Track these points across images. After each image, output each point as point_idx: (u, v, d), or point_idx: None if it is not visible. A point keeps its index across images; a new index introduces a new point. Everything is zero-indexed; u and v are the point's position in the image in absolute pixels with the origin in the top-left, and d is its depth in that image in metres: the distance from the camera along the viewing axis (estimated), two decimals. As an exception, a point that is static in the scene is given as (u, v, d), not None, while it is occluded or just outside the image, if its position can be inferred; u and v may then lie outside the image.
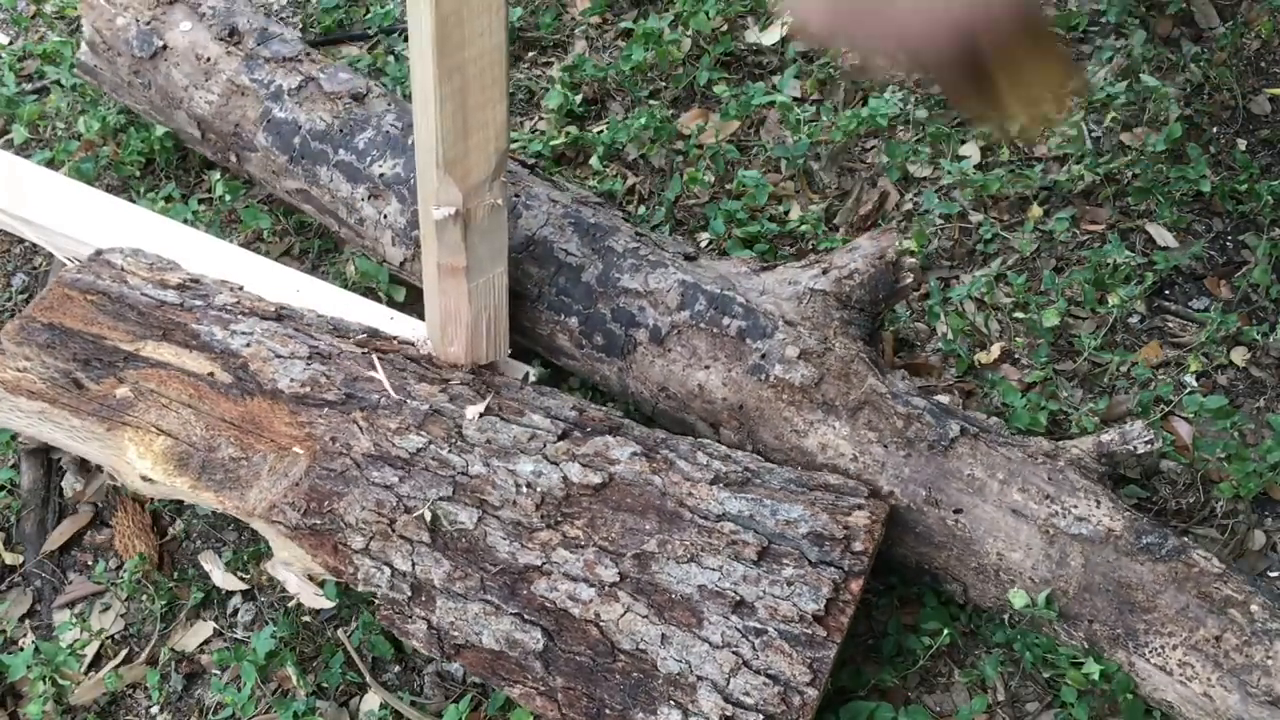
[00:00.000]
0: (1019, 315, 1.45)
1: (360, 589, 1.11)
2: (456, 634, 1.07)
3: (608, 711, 1.02)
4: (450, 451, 1.15)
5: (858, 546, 1.06)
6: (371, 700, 1.19)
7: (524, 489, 1.12)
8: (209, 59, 1.52)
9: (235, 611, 1.27)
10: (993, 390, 1.36)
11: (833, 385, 1.18)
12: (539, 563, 1.08)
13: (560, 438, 1.16)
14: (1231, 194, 1.54)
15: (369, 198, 1.41)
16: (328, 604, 1.22)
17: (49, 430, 1.25)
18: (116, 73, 1.61)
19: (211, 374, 1.24)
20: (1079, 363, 1.41)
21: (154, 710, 1.21)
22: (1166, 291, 1.49)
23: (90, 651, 1.24)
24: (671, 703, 1.00)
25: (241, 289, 1.38)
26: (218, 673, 1.22)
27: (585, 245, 1.31)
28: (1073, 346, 1.43)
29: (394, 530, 1.11)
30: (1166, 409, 1.35)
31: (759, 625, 1.02)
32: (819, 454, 1.17)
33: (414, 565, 1.10)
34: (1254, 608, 1.04)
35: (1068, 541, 1.09)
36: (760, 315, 1.23)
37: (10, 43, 1.99)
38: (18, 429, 1.31)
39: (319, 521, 1.13)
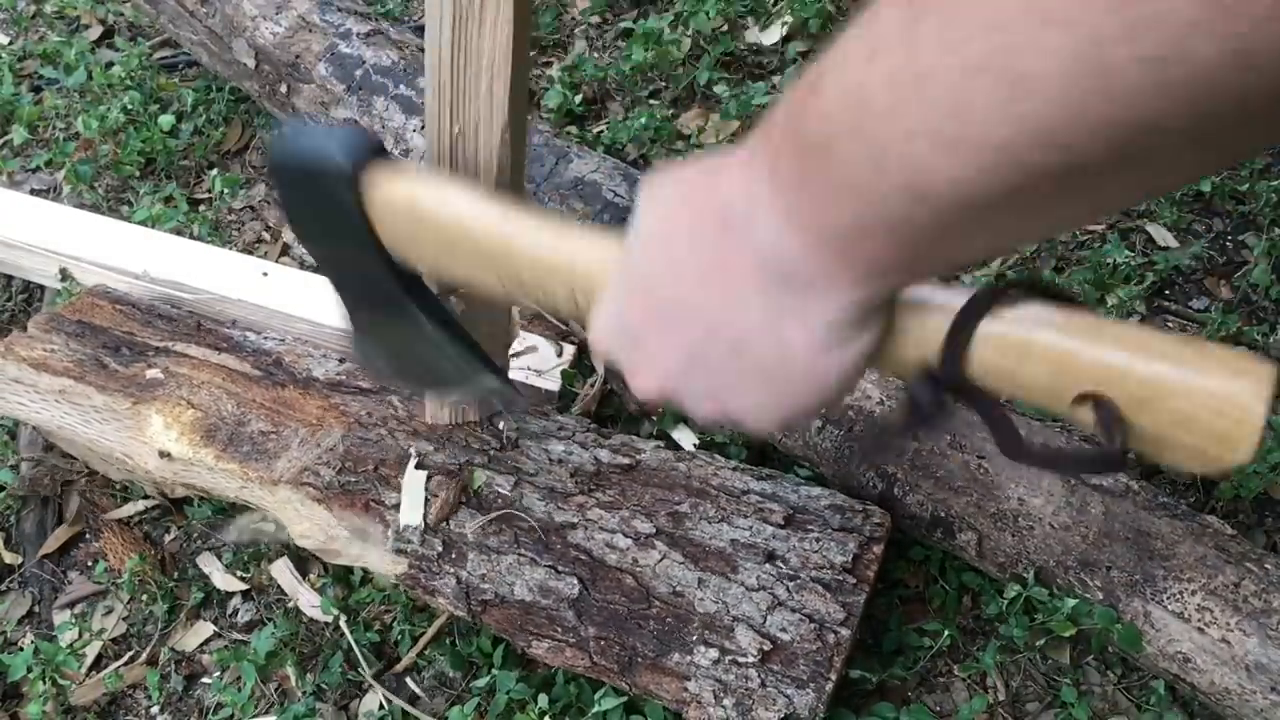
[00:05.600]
0: (1019, 315, 1.45)
1: (389, 546, 1.12)
2: (487, 587, 1.09)
3: (640, 659, 1.04)
4: (483, 431, 1.18)
5: (876, 519, 1.11)
6: (371, 700, 1.19)
7: (557, 464, 1.16)
8: None
9: (235, 612, 1.27)
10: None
11: None
12: (575, 520, 1.11)
13: (586, 431, 1.22)
14: (1231, 194, 1.54)
15: (424, 129, 1.46)
16: (325, 617, 1.22)
17: (60, 415, 1.25)
18: (184, 1, 1.72)
19: (243, 370, 1.26)
20: (1079, 363, 1.40)
21: (154, 710, 1.21)
22: (1166, 291, 1.49)
23: (91, 652, 1.24)
24: (706, 644, 1.02)
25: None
26: (218, 673, 1.22)
27: (634, 192, 1.35)
28: (1073, 346, 1.42)
29: (428, 489, 1.13)
30: (1166, 409, 1.35)
31: (791, 572, 1.06)
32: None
33: (449, 521, 1.11)
34: (1269, 565, 1.05)
35: (1088, 492, 1.11)
36: None
37: (10, 43, 2.00)
38: (24, 417, 1.29)
39: (354, 479, 1.15)
